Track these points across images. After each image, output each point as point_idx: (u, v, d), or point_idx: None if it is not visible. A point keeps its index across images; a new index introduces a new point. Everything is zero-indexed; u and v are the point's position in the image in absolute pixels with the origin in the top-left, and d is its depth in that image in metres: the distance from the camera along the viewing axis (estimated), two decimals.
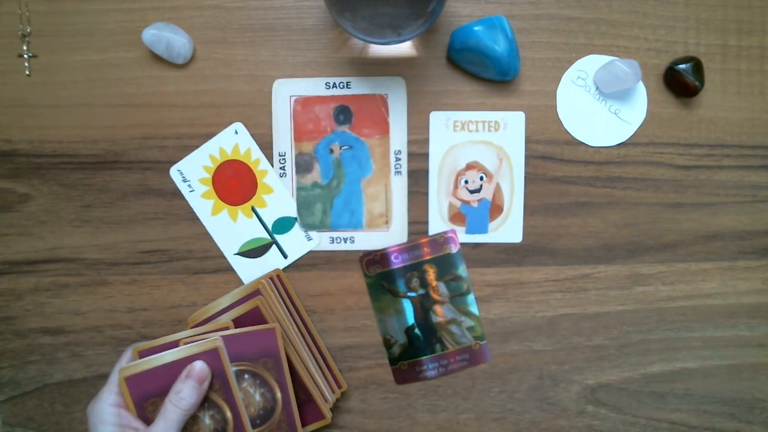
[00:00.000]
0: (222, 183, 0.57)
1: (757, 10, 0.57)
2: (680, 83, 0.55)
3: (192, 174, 0.57)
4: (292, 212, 0.57)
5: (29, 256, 0.57)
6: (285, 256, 0.58)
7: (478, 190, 0.57)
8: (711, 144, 0.57)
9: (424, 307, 0.57)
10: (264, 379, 0.52)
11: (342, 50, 0.56)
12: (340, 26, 0.51)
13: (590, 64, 0.57)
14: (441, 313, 0.57)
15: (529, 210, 0.58)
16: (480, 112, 0.57)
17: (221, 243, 0.58)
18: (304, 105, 0.56)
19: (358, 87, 0.56)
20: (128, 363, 0.50)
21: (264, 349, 0.52)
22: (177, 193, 0.57)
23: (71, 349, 0.58)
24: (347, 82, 0.56)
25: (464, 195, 0.57)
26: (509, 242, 0.58)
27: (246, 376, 0.52)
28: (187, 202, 0.57)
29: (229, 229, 0.57)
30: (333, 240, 0.58)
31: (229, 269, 0.58)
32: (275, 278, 0.56)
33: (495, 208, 0.57)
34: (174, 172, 0.57)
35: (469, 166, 0.57)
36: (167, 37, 0.54)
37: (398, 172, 0.57)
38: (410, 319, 0.57)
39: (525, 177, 0.57)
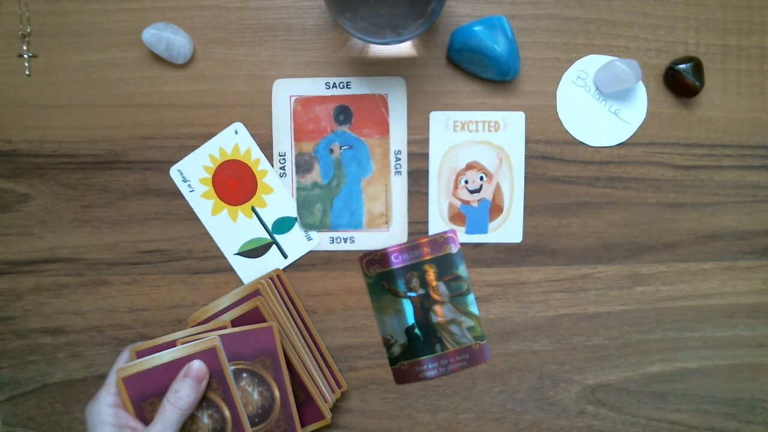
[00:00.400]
0: (222, 183, 0.57)
1: (757, 10, 0.57)
2: (680, 83, 0.55)
3: (192, 174, 0.57)
4: (292, 212, 0.57)
5: (29, 256, 0.57)
6: (285, 256, 0.58)
7: (478, 190, 0.57)
8: (711, 144, 0.57)
9: (424, 307, 0.57)
10: (262, 378, 0.52)
11: (342, 50, 0.56)
12: (340, 26, 0.51)
13: (590, 64, 0.57)
14: (441, 313, 0.57)
15: (529, 210, 0.58)
16: (480, 112, 0.57)
17: (221, 243, 0.58)
18: (304, 105, 0.56)
19: (358, 87, 0.56)
20: (126, 363, 0.50)
21: (261, 348, 0.52)
22: (177, 193, 0.57)
23: (71, 349, 0.58)
24: (347, 82, 0.56)
25: (464, 195, 0.57)
26: (509, 242, 0.58)
27: (244, 374, 0.52)
28: (187, 202, 0.57)
29: (229, 229, 0.57)
30: (333, 240, 0.58)
31: (229, 269, 0.58)
32: (275, 278, 0.56)
33: (495, 208, 0.57)
34: (174, 172, 0.57)
35: (469, 166, 0.57)
36: (167, 37, 0.54)
37: (398, 172, 0.57)
38: (410, 319, 0.57)
39: (525, 177, 0.57)
